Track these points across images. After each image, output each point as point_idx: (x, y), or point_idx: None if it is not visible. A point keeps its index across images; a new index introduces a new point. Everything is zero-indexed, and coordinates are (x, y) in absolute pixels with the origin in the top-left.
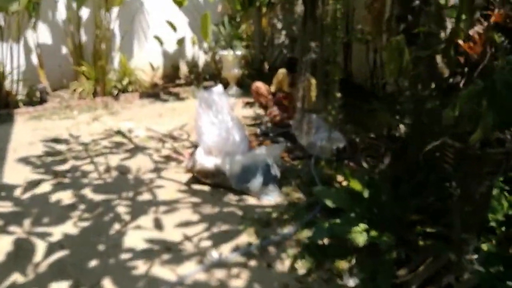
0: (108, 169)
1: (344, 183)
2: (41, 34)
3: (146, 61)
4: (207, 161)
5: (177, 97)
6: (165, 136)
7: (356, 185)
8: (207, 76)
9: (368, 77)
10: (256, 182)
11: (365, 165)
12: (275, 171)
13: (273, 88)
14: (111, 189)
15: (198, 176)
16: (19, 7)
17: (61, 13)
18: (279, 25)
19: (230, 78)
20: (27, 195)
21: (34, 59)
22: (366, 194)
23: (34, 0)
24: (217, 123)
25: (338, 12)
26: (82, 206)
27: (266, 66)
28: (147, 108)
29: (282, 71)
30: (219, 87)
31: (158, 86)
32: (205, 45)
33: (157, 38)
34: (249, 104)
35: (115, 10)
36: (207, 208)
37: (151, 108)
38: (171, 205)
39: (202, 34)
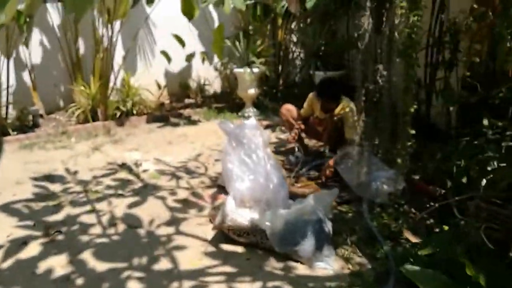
0: (113, 221)
1: (412, 239)
2: (34, 50)
3: (152, 80)
4: (240, 214)
5: (188, 120)
6: (178, 170)
7: (469, 270)
8: (219, 95)
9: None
10: (307, 244)
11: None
12: (329, 228)
13: (303, 112)
14: (119, 252)
15: (229, 234)
16: (6, 19)
17: (57, 27)
18: (295, 39)
19: (246, 98)
20: (9, 262)
21: (27, 78)
22: (483, 282)
23: (26, 13)
24: (251, 165)
25: (415, 27)
26: (80, 280)
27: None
28: (155, 134)
29: (313, 94)
30: (252, 120)
31: (165, 107)
32: (215, 60)
33: (164, 53)
34: (269, 128)
35: (117, 23)
36: (245, 283)
37: (159, 134)
38: (198, 279)
39: (215, 49)
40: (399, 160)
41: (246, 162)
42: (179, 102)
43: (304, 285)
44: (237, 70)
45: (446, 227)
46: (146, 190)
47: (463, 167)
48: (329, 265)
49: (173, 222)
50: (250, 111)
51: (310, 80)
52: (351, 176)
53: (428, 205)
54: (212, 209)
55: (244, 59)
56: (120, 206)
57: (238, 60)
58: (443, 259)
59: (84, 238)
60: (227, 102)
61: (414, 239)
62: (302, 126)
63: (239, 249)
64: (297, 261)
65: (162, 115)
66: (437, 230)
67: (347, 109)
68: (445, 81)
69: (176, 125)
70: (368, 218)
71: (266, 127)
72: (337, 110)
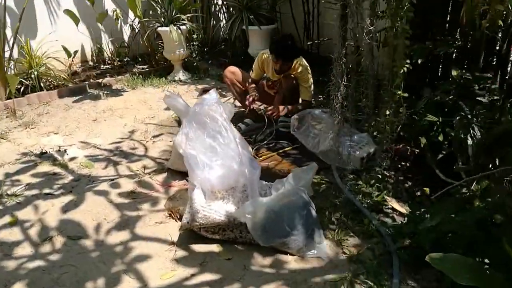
0: (46, 233)
1: (399, 208)
2: None
3: (59, 46)
4: (213, 209)
5: (110, 90)
6: (112, 153)
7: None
8: (139, 59)
9: None
10: (297, 234)
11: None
12: (314, 209)
13: (255, 74)
14: (63, 277)
15: (201, 232)
16: None
17: None
18: None
19: (175, 60)
20: None
21: None
22: None
23: None
24: (218, 148)
25: None
26: None
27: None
28: (74, 111)
29: (265, 54)
30: (212, 94)
31: (79, 76)
32: (131, 18)
33: (69, 13)
34: (206, 91)
35: None
36: None
37: (79, 110)
38: None
39: (130, 5)
40: (387, 127)
41: (211, 146)
42: (94, 70)
43: (303, 283)
44: (161, 29)
45: (427, 190)
46: (81, 185)
47: (439, 124)
48: (323, 253)
49: (125, 224)
50: (181, 74)
51: (243, 36)
52: (313, 142)
53: (399, 166)
54: (168, 200)
55: (167, 15)
56: (51, 211)
57: (160, 17)
58: (458, 236)
59: (9, 264)
60: (151, 65)
61: (400, 208)
62: (255, 93)
63: (215, 247)
64: (285, 253)
65: (78, 87)
66: (418, 193)
67: (302, 69)
68: None
69: (96, 97)
70: (346, 189)
71: (203, 91)
72: (292, 70)
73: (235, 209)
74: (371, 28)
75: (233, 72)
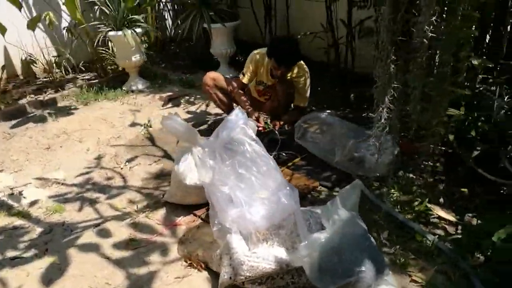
0: None
1: (448, 217)
2: None
3: None
4: (261, 257)
5: (56, 108)
6: (84, 188)
7: None
8: (83, 68)
9: None
10: (366, 271)
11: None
12: (372, 237)
13: (247, 78)
14: None
15: (246, 286)
16: None
17: None
18: None
19: (130, 68)
20: None
21: None
22: None
23: None
24: (254, 180)
25: None
26: None
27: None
28: (18, 139)
29: (258, 54)
30: (237, 112)
31: (10, 94)
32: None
33: None
34: (171, 101)
35: None
36: None
37: (24, 137)
38: None
39: (68, 6)
40: (441, 130)
41: (246, 178)
42: (29, 85)
43: None
44: (112, 34)
45: (465, 190)
46: (57, 238)
47: (472, 118)
48: (392, 286)
49: (138, 287)
50: (138, 82)
51: (205, 35)
52: (326, 150)
53: (422, 166)
54: (180, 245)
55: (118, 17)
56: (28, 285)
57: (108, 19)
58: None
59: None
60: (99, 75)
61: (447, 216)
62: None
63: None
64: None
65: (15, 109)
66: (455, 196)
67: (303, 73)
68: None
69: (42, 119)
70: (385, 202)
71: (169, 100)
72: (291, 74)
73: (285, 252)
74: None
75: (213, 78)
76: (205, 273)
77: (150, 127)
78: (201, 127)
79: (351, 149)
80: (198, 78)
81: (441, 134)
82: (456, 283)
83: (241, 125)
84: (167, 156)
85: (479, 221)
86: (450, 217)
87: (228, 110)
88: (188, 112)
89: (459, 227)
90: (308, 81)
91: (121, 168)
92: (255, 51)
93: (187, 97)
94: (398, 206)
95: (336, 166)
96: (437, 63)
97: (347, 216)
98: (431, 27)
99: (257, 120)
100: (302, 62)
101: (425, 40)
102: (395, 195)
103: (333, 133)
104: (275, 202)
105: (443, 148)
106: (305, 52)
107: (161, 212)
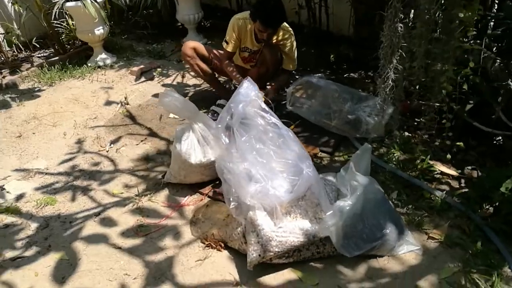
0: None
1: (450, 172)
2: None
3: None
4: (287, 231)
5: (19, 91)
6: (71, 176)
7: None
8: (36, 44)
9: None
10: (389, 234)
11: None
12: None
13: (232, 46)
14: None
15: (274, 261)
16: None
17: None
18: None
19: (94, 42)
20: None
21: None
22: None
23: None
24: (272, 154)
25: None
26: None
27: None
28: None
29: (241, 19)
30: (247, 85)
31: None
32: None
33: None
34: (144, 73)
35: None
36: None
37: None
38: None
39: None
40: (448, 87)
41: (264, 152)
42: None
43: None
44: (70, 5)
45: (461, 144)
46: (57, 232)
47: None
48: (413, 245)
49: (160, 274)
50: (104, 57)
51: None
52: (322, 115)
53: (416, 123)
54: (193, 226)
55: None
56: (39, 285)
57: None
58: None
59: None
60: (57, 52)
61: (449, 171)
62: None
63: (291, 274)
64: (373, 257)
65: None
66: (454, 150)
67: (289, 34)
68: None
69: (5, 105)
70: (388, 162)
71: (141, 74)
72: (276, 37)
73: (309, 224)
74: None
75: (194, 47)
76: (225, 252)
77: (128, 104)
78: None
79: (348, 111)
80: (167, 47)
81: (450, 91)
82: (472, 235)
83: (253, 97)
84: (152, 133)
85: (480, 174)
86: (452, 172)
87: (210, 79)
88: (164, 85)
89: (462, 180)
90: (295, 43)
91: (107, 151)
92: (237, 16)
93: (159, 69)
94: (401, 165)
95: (332, 131)
96: (441, 19)
97: (366, 181)
98: None
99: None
100: (285, 23)
101: None
102: (396, 154)
103: (326, 96)
104: (297, 174)
105: (437, 105)
106: None
107: (164, 194)
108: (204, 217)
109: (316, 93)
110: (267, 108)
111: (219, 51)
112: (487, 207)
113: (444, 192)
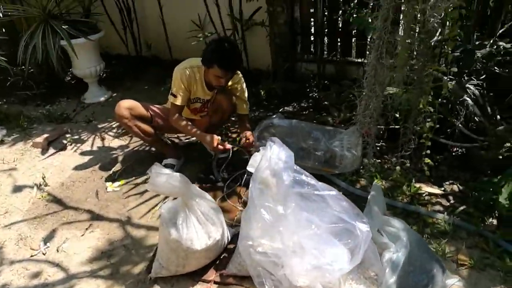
0: None
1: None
2: None
3: None
4: None
5: None
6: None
7: None
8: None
9: None
10: (435, 272)
11: None
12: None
13: (180, 100)
14: None
15: None
16: None
17: None
18: None
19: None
20: None
21: None
22: None
23: None
24: (317, 220)
25: None
26: None
27: None
28: None
29: (187, 68)
30: (278, 146)
31: None
32: None
33: None
34: (52, 145)
35: None
36: None
37: None
38: None
39: None
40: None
41: (313, 221)
42: None
43: None
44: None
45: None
46: None
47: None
48: (453, 278)
49: None
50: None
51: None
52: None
53: (377, 147)
54: None
55: None
56: None
57: None
58: None
59: None
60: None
61: (436, 190)
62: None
63: None
64: None
65: None
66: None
67: (239, 77)
68: None
69: None
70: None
71: (48, 144)
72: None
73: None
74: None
75: (130, 107)
76: None
77: (47, 185)
78: (116, 168)
79: (323, 149)
80: (66, 108)
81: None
82: (493, 252)
83: (287, 160)
84: (96, 217)
85: (460, 187)
86: (437, 191)
87: (154, 140)
88: (83, 153)
89: (450, 197)
90: (245, 84)
91: (44, 254)
92: (181, 66)
93: (68, 135)
94: (389, 195)
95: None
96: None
97: (401, 224)
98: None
99: (215, 142)
100: None
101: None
102: (379, 184)
103: (296, 136)
104: (350, 235)
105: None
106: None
107: None
108: None
109: (283, 134)
110: (301, 170)
111: (156, 106)
112: (490, 220)
113: (445, 213)
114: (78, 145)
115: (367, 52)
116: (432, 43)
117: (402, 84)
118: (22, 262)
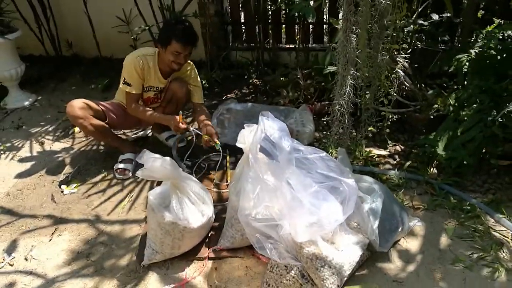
0: None
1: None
2: None
3: None
4: (348, 249)
5: None
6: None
7: None
8: None
9: None
10: (403, 216)
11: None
12: None
13: (135, 89)
14: None
15: None
16: None
17: None
18: None
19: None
20: None
21: None
22: None
23: None
24: (310, 180)
25: None
26: None
27: None
28: None
29: (139, 56)
30: (268, 117)
31: None
32: None
33: None
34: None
35: None
36: None
37: None
38: None
39: None
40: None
41: (307, 181)
42: None
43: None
44: None
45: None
46: None
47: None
48: (414, 220)
49: None
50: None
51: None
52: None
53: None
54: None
55: None
56: None
57: None
58: None
59: None
60: None
61: (383, 152)
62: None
63: None
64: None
65: None
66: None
67: (191, 65)
68: None
69: None
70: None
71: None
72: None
73: (357, 235)
74: None
75: (82, 107)
76: None
77: None
78: (67, 170)
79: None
80: None
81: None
82: (439, 195)
83: (279, 127)
84: (60, 220)
85: (402, 147)
86: (383, 152)
87: (110, 138)
88: (23, 160)
89: (396, 157)
90: (197, 71)
91: (11, 265)
92: (134, 54)
93: (0, 144)
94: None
95: None
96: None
97: (372, 180)
98: None
99: (179, 121)
100: None
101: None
102: (333, 153)
103: (253, 119)
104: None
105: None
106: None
107: (154, 279)
108: (222, 282)
109: (241, 118)
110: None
111: (106, 102)
112: (431, 170)
113: (396, 170)
114: (14, 152)
115: (327, 37)
116: (385, 23)
117: (366, 62)
118: None
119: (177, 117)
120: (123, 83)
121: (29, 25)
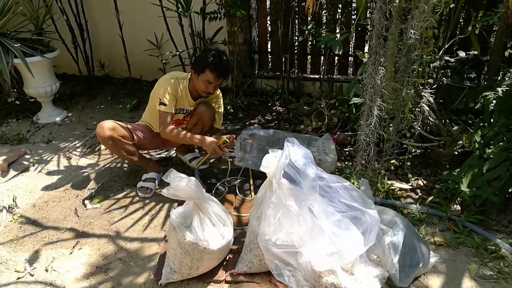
0: None
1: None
2: None
3: None
4: (364, 281)
5: None
6: None
7: None
8: None
9: None
10: (423, 251)
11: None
12: None
13: (170, 107)
14: None
15: None
16: None
17: None
18: None
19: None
20: None
21: None
22: None
23: None
24: (331, 209)
25: None
26: None
27: None
28: None
29: (176, 78)
30: (293, 143)
31: None
32: None
33: None
34: (12, 166)
35: None
36: None
37: None
38: None
39: None
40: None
41: (331, 211)
42: None
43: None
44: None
45: (394, 162)
46: None
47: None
48: (435, 256)
49: None
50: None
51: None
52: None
53: (347, 151)
54: None
55: None
56: None
57: None
58: None
59: None
60: None
61: (405, 186)
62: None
63: None
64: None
65: None
66: (392, 168)
67: (219, 92)
68: None
69: None
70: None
71: (8, 166)
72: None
73: (377, 268)
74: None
75: (112, 128)
76: None
77: (18, 207)
78: (92, 185)
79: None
80: (16, 129)
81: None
82: (462, 233)
83: (302, 154)
84: (81, 234)
85: (424, 181)
86: (405, 185)
87: (137, 158)
88: (50, 173)
89: (418, 191)
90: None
91: (32, 275)
92: (167, 77)
93: (28, 156)
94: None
95: None
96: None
97: (394, 213)
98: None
99: (218, 143)
100: None
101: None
102: (355, 184)
103: (275, 145)
104: (360, 221)
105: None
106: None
107: None
108: None
109: (263, 143)
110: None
111: (132, 124)
112: (454, 206)
113: (418, 204)
114: (42, 165)
115: (351, 69)
116: (412, 57)
117: (391, 95)
118: (9, 286)
119: (215, 140)
120: (159, 104)
121: (66, 46)
